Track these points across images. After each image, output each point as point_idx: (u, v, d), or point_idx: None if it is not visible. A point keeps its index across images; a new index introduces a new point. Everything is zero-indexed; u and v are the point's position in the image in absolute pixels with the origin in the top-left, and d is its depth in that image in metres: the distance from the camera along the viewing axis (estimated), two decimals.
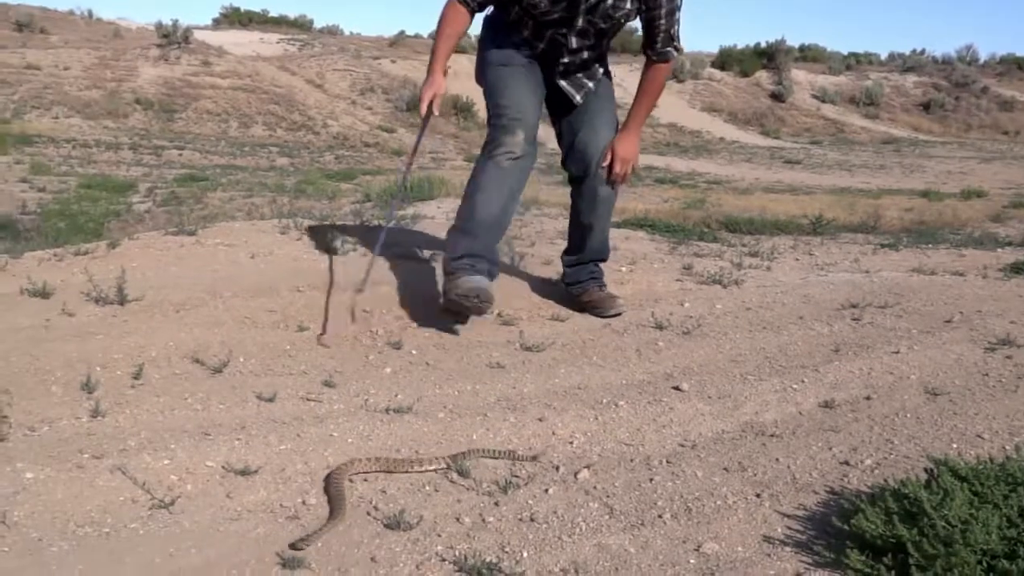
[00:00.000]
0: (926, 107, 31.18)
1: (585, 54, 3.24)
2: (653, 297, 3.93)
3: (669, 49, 3.23)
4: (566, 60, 3.23)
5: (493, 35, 3.30)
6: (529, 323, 3.43)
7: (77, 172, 15.32)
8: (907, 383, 2.79)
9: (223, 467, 2.09)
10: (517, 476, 2.14)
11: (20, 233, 8.33)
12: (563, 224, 5.91)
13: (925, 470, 1.89)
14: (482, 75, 3.31)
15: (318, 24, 39.61)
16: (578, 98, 3.33)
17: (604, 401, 2.64)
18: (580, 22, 3.09)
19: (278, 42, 32.78)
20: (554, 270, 4.26)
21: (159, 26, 28.56)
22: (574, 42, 3.16)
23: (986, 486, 1.69)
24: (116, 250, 3.98)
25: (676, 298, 3.91)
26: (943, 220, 8.45)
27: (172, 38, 27.49)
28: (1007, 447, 2.30)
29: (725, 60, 32.99)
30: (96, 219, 9.54)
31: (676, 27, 3.19)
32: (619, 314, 3.52)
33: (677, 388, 2.77)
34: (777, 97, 30.69)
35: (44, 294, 3.27)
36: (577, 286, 3.63)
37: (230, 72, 27.00)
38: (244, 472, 2.07)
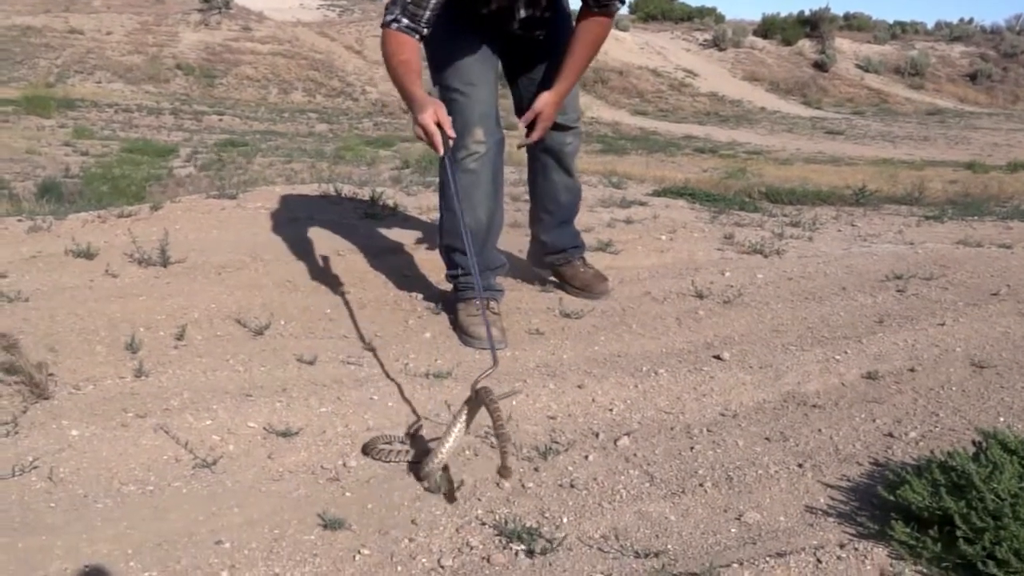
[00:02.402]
0: (972, 77, 30.60)
1: (538, 13, 2.90)
2: (693, 266, 3.89)
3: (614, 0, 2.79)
4: (516, 25, 2.89)
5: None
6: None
7: (119, 136, 15.47)
8: (952, 356, 2.74)
9: (264, 428, 2.11)
10: (557, 442, 2.13)
11: (64, 196, 8.44)
12: (603, 191, 5.89)
13: (973, 443, 1.86)
14: (429, 56, 2.89)
15: None
16: (537, 34, 2.97)
17: (644, 369, 2.63)
18: None
19: (318, 8, 32.78)
20: (595, 237, 4.24)
21: None
22: (522, 11, 2.84)
23: None
24: (159, 212, 4.01)
25: (717, 267, 3.87)
26: (988, 192, 8.28)
27: (213, 3, 27.60)
28: None
29: (768, 28, 32.54)
30: (138, 182, 9.63)
31: None
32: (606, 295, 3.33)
33: (718, 357, 2.74)
34: (820, 66, 30.25)
35: (88, 255, 3.31)
36: (560, 255, 3.36)
37: (270, 38, 27.08)
38: (285, 434, 2.08)
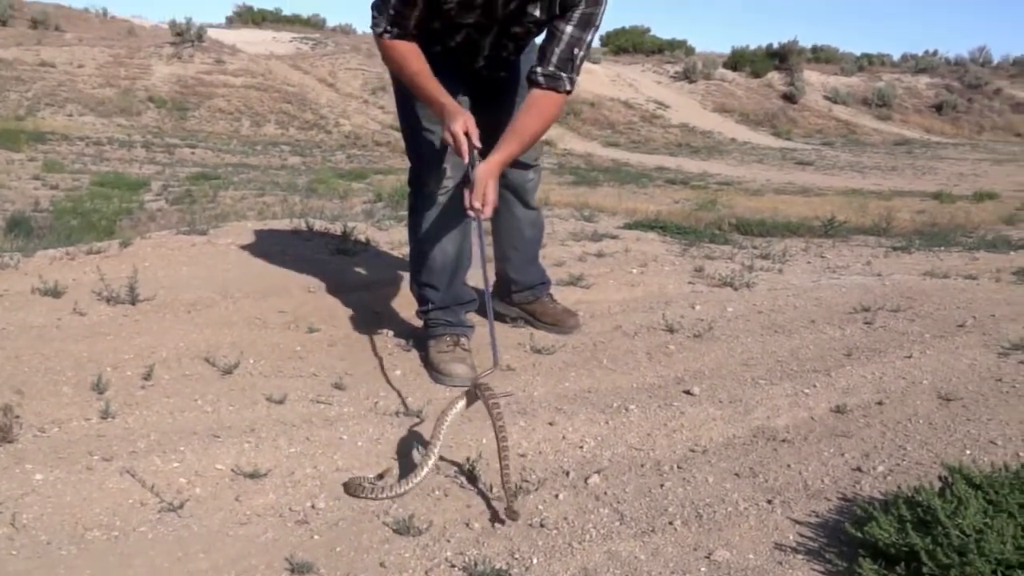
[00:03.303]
0: (938, 108, 31.10)
1: (504, 54, 2.91)
2: (664, 299, 3.91)
3: (563, 76, 2.66)
4: (482, 62, 2.90)
5: None
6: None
7: (90, 170, 15.38)
8: (920, 388, 2.77)
9: (232, 470, 2.09)
10: (528, 481, 2.13)
11: (33, 231, 8.38)
12: (575, 225, 5.91)
13: (939, 478, 1.87)
14: (397, 89, 2.89)
15: (331, 23, 39.79)
16: (501, 74, 2.99)
17: (614, 405, 2.63)
18: (493, 34, 2.78)
19: (291, 41, 32.85)
20: (566, 271, 4.26)
21: (173, 24, 28.70)
22: (487, 47, 2.83)
23: (1001, 494, 1.67)
24: (128, 249, 3.99)
25: (687, 300, 3.89)
26: (955, 222, 8.40)
27: (186, 36, 27.62)
28: (1021, 453, 2.29)
29: (737, 61, 32.98)
30: (108, 217, 9.59)
31: (580, 53, 2.66)
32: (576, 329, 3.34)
33: (688, 392, 2.75)
34: (789, 98, 30.66)
35: (56, 293, 3.28)
36: (528, 292, 3.34)
37: (243, 70, 27.09)
38: (253, 475, 2.07)
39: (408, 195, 2.99)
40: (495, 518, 1.97)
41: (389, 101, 30.32)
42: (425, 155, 2.86)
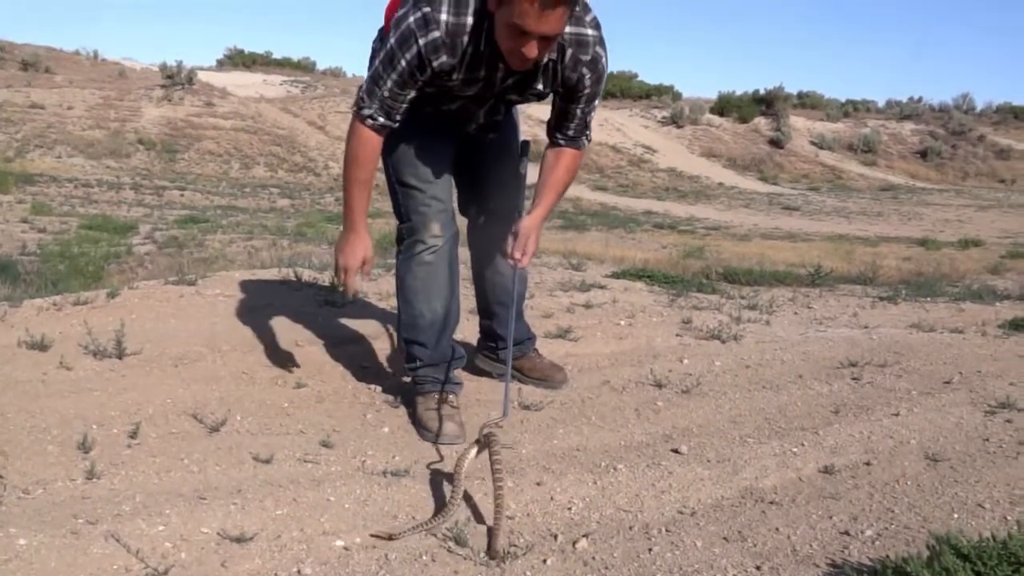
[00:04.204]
0: (923, 155, 31.45)
1: (496, 118, 2.97)
2: (652, 353, 3.92)
3: (582, 137, 2.87)
4: (474, 127, 2.94)
5: None
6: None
7: (78, 212, 15.37)
8: (907, 448, 2.77)
9: (218, 533, 2.07)
10: (515, 545, 2.12)
11: (19, 276, 8.34)
12: (563, 274, 5.92)
13: (928, 546, 1.87)
14: (387, 147, 2.82)
15: (321, 66, 40.06)
16: (490, 136, 3.03)
17: (603, 464, 2.63)
18: (489, 104, 2.83)
19: (281, 84, 33.11)
20: (554, 323, 4.27)
21: (163, 67, 28.89)
22: (483, 116, 2.88)
23: (989, 566, 1.67)
24: (115, 300, 3.98)
25: (675, 354, 3.90)
26: (941, 271, 8.46)
27: (176, 79, 27.79)
28: (1008, 517, 2.29)
29: (724, 106, 33.32)
30: (96, 261, 9.56)
31: (592, 115, 2.85)
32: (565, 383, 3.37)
33: (676, 451, 2.75)
34: (775, 143, 30.94)
35: (42, 347, 3.26)
36: (515, 348, 3.25)
37: (233, 113, 27.24)
38: (239, 539, 2.05)
39: (396, 253, 2.99)
40: None
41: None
42: (413, 215, 2.88)
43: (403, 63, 2.52)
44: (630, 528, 2.25)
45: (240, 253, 10.71)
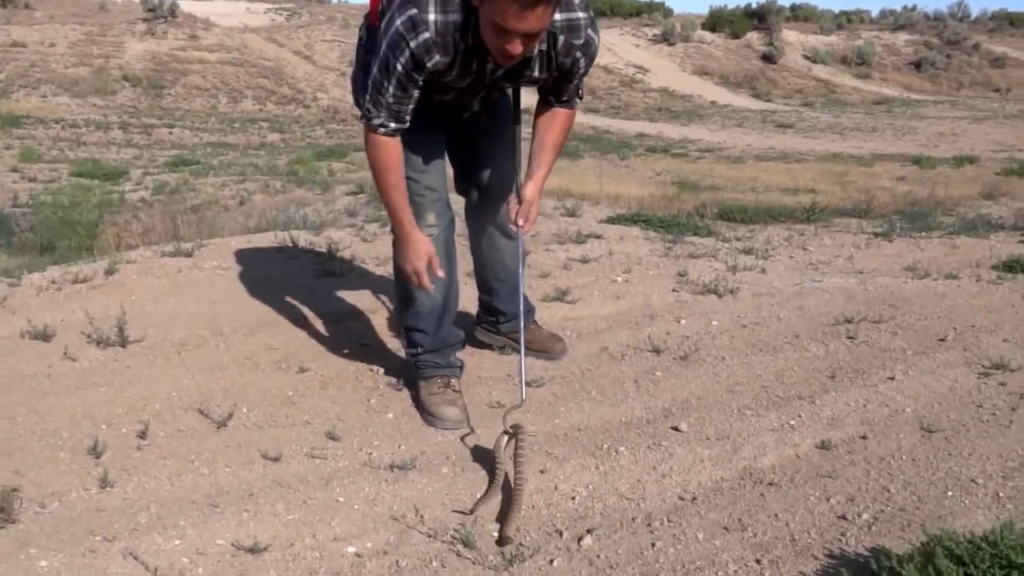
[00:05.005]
0: (917, 66, 31.15)
1: (490, 103, 2.98)
2: (649, 313, 3.96)
3: (575, 98, 2.90)
4: (467, 114, 2.97)
5: None
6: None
7: (68, 157, 15.29)
8: (903, 418, 2.82)
9: (233, 545, 2.12)
10: (523, 544, 2.18)
11: (14, 233, 8.34)
12: (558, 224, 5.93)
13: (921, 544, 1.93)
14: None
15: None
16: (484, 119, 3.05)
17: (604, 447, 2.68)
18: (482, 94, 2.85)
19: (265, 12, 32.58)
20: (551, 284, 4.30)
21: None
22: (477, 104, 2.90)
23: (980, 569, 1.73)
24: (114, 277, 4.00)
25: (672, 313, 3.94)
26: (935, 199, 8.46)
27: (158, 12, 27.31)
28: (1000, 493, 2.34)
29: (715, 22, 32.87)
30: (90, 210, 9.51)
31: (584, 79, 2.87)
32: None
33: (676, 428, 2.80)
34: (768, 59, 30.62)
35: (45, 336, 3.30)
36: (514, 322, 3.25)
37: (218, 46, 26.84)
38: (253, 550, 2.10)
39: (393, 243, 3.00)
40: None
41: None
42: (411, 205, 2.88)
43: (399, 67, 2.52)
44: (633, 520, 2.31)
45: (233, 198, 10.68)
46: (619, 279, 4.47)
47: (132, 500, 2.31)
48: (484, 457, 2.64)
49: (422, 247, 2.76)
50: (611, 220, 6.27)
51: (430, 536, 2.20)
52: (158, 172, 13.12)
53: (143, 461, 2.52)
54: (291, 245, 4.66)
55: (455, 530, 2.21)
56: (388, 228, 5.23)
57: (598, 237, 5.48)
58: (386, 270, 4.29)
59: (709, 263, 4.92)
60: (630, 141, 21.53)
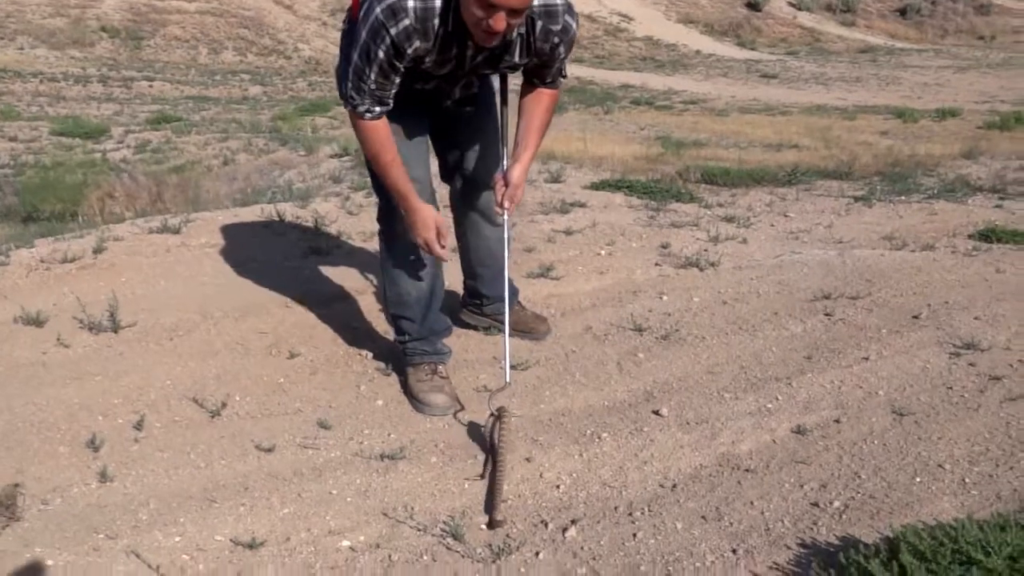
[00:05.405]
0: (902, 12, 31.03)
1: (471, 92, 3.04)
2: (632, 289, 4.04)
3: (559, 79, 2.95)
4: (449, 102, 3.02)
5: None
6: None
7: (48, 115, 15.15)
8: (875, 401, 2.92)
9: (231, 540, 2.21)
10: (509, 536, 2.27)
11: None
12: (543, 192, 5.98)
13: (885, 540, 2.03)
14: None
15: None
16: (467, 109, 3.10)
17: (588, 432, 2.77)
18: (463, 81, 2.90)
19: None
20: (536, 259, 4.36)
21: None
22: (458, 92, 2.96)
23: (942, 566, 1.83)
24: (103, 256, 4.05)
25: (655, 288, 4.03)
26: (916, 160, 8.53)
27: None
28: (966, 479, 2.45)
29: None
30: (73, 171, 9.47)
31: (566, 62, 2.93)
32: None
33: (657, 413, 2.89)
34: (753, 6, 30.42)
35: (38, 323, 3.36)
36: (499, 304, 3.32)
37: None
38: (251, 545, 2.19)
39: (379, 232, 3.06)
40: None
41: None
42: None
43: (380, 54, 2.56)
44: (615, 509, 2.40)
45: (216, 157, 10.65)
46: (603, 252, 4.54)
47: (132, 495, 2.39)
48: (471, 445, 2.73)
49: (430, 218, 2.82)
50: (595, 186, 6.32)
51: (420, 530, 2.29)
52: (140, 130, 13.04)
53: (141, 454, 2.59)
54: (278, 220, 4.70)
55: (444, 523, 2.30)
56: (373, 199, 5.29)
57: (582, 206, 5.54)
58: (372, 245, 4.35)
59: (691, 232, 5.00)
60: (614, 93, 21.45)
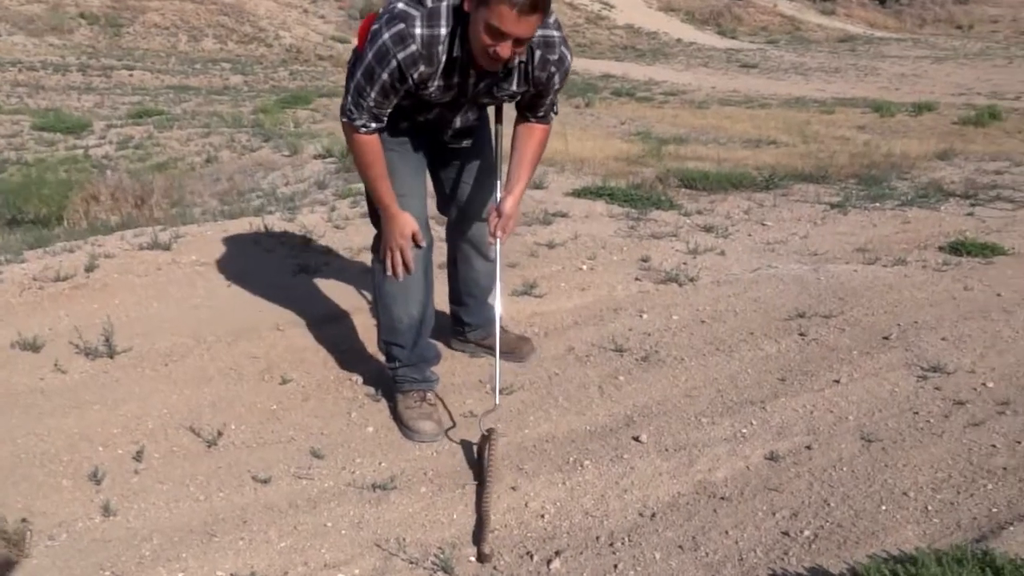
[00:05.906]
0: (882, 1, 31.16)
1: (470, 123, 3.16)
2: (613, 306, 4.17)
3: (551, 114, 3.10)
4: (450, 133, 3.14)
5: None
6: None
7: (28, 107, 15.08)
8: (845, 426, 3.05)
9: (232, 575, 2.32)
10: (497, 569, 2.39)
11: None
12: (525, 201, 6.08)
13: (851, 571, 2.16)
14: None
15: None
16: (465, 143, 3.23)
17: (571, 460, 2.89)
18: (464, 109, 3.02)
19: None
20: (519, 275, 4.47)
21: None
22: (459, 121, 3.07)
23: None
24: (95, 275, 4.12)
25: (635, 306, 4.15)
26: (891, 160, 8.68)
27: None
28: (929, 507, 2.58)
29: None
30: (56, 169, 9.48)
31: (557, 96, 3.08)
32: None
33: (637, 439, 3.01)
34: None
35: (35, 348, 3.44)
36: (481, 330, 3.60)
37: None
38: None
39: (372, 260, 3.17)
40: None
41: (330, 10, 29.59)
42: None
43: (384, 76, 2.72)
44: (597, 539, 2.53)
45: (199, 154, 10.67)
46: (584, 267, 4.66)
47: (135, 529, 2.50)
48: (458, 474, 2.84)
49: (407, 226, 2.99)
50: (577, 193, 6.44)
51: (412, 563, 2.40)
52: (121, 124, 13.03)
53: (141, 486, 2.70)
54: (265, 233, 4.79)
55: (435, 556, 2.42)
56: (359, 210, 5.36)
57: (564, 216, 5.66)
58: (359, 260, 4.46)
59: (671, 244, 5.13)
60: (595, 83, 21.53)
